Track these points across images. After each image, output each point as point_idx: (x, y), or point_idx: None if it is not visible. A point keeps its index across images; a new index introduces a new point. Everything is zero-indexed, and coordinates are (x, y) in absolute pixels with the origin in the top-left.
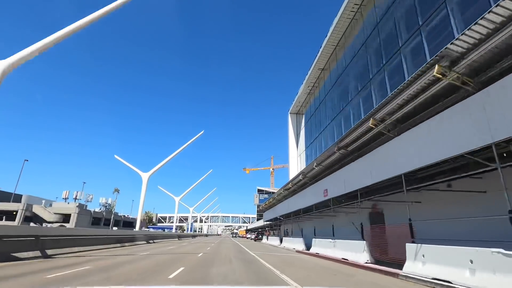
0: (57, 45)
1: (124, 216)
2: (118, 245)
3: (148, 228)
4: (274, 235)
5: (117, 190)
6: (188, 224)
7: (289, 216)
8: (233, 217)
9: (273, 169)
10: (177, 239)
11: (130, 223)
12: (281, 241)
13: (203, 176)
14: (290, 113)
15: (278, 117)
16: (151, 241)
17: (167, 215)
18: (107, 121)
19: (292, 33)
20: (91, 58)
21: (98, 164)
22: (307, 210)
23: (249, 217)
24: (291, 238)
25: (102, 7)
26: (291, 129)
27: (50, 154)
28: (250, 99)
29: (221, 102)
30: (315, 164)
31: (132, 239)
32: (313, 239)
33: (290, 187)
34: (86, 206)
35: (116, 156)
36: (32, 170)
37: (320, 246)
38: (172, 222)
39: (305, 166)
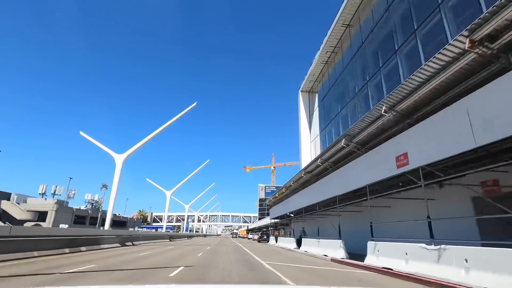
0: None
1: (115, 214)
2: (67, 250)
3: (141, 227)
4: (284, 235)
5: (105, 186)
6: (184, 223)
7: (314, 209)
8: (233, 216)
9: (274, 167)
10: (167, 240)
11: (122, 223)
12: (298, 244)
13: (200, 167)
14: (301, 91)
15: (280, 114)
16: (128, 243)
17: (163, 214)
18: (104, 116)
19: (294, 26)
20: (89, 52)
21: (89, 160)
22: (349, 198)
23: (250, 216)
24: (317, 240)
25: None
26: (302, 111)
27: (39, 150)
28: (250, 95)
29: (220, 99)
30: (383, 108)
31: (95, 242)
32: (370, 243)
33: (319, 165)
34: (67, 203)
35: (81, 133)
36: (22, 168)
37: (394, 256)
38: (170, 222)
39: (320, 152)
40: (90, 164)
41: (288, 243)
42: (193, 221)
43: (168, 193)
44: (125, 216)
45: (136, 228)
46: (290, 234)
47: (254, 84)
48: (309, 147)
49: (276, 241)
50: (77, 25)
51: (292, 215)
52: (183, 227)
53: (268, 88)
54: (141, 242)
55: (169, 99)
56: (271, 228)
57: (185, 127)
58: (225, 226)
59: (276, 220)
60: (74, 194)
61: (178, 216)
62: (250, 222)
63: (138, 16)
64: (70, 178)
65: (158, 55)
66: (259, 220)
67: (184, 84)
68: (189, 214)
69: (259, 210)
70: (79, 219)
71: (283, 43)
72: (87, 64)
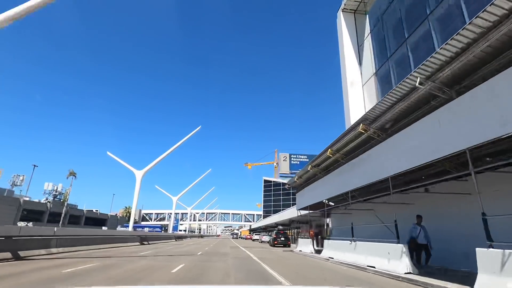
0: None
1: (92, 211)
2: None
3: (124, 226)
4: (326, 236)
5: (72, 174)
6: (171, 221)
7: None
8: (233, 214)
9: (277, 163)
10: (137, 243)
11: (100, 221)
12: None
13: (189, 135)
14: (343, 10)
15: (281, 111)
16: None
17: (154, 211)
18: (106, 121)
19: (292, 32)
20: (89, 54)
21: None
22: None
23: (253, 215)
24: None
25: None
26: (346, 41)
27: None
28: (249, 100)
29: (219, 103)
30: None
31: None
32: None
33: None
34: (13, 192)
35: None
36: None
37: None
38: (160, 220)
39: (378, 100)
40: (56, 149)
41: (371, 255)
42: (183, 219)
43: (138, 174)
44: (105, 213)
45: (119, 227)
46: (329, 234)
47: (253, 88)
48: (361, 91)
49: (315, 248)
50: (76, 29)
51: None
52: (171, 226)
53: (267, 89)
54: (52, 251)
55: (165, 100)
56: (283, 227)
57: (184, 130)
58: (225, 227)
59: (307, 212)
60: (22, 180)
61: (171, 214)
62: (253, 221)
63: (135, 17)
64: (35, 166)
65: (150, 57)
66: (263, 218)
67: (182, 86)
68: (183, 211)
69: (264, 206)
70: (32, 214)
71: (283, 42)
72: (85, 69)
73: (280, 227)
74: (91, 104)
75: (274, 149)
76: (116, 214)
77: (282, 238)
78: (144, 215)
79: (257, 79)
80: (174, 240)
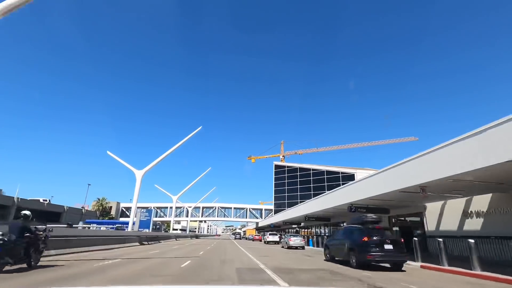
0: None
1: (39, 201)
2: None
3: (87, 222)
4: None
5: None
6: (133, 213)
7: None
8: (236, 208)
9: (283, 156)
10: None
11: (50, 215)
12: None
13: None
14: None
15: (281, 109)
16: None
17: (139, 205)
18: (106, 123)
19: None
20: (85, 42)
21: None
22: None
23: (261, 209)
24: None
25: None
26: None
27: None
28: (248, 103)
29: (219, 106)
30: None
31: None
32: None
33: None
34: None
35: None
36: None
37: None
38: (147, 217)
39: None
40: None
41: None
42: (175, 215)
43: None
44: (59, 204)
45: (80, 224)
46: None
47: (252, 94)
48: None
49: None
50: (74, 18)
51: None
52: (130, 223)
53: (267, 85)
54: None
55: (165, 94)
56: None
57: (183, 128)
58: (226, 226)
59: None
60: None
61: (158, 207)
62: (261, 217)
63: (136, 12)
64: None
65: (155, 47)
66: (275, 214)
67: (183, 77)
68: (170, 205)
69: (276, 198)
70: None
71: (284, 40)
72: (84, 57)
73: (374, 216)
74: (91, 107)
75: (281, 141)
76: (82, 207)
77: (390, 247)
78: (124, 209)
79: (257, 81)
80: (138, 243)
